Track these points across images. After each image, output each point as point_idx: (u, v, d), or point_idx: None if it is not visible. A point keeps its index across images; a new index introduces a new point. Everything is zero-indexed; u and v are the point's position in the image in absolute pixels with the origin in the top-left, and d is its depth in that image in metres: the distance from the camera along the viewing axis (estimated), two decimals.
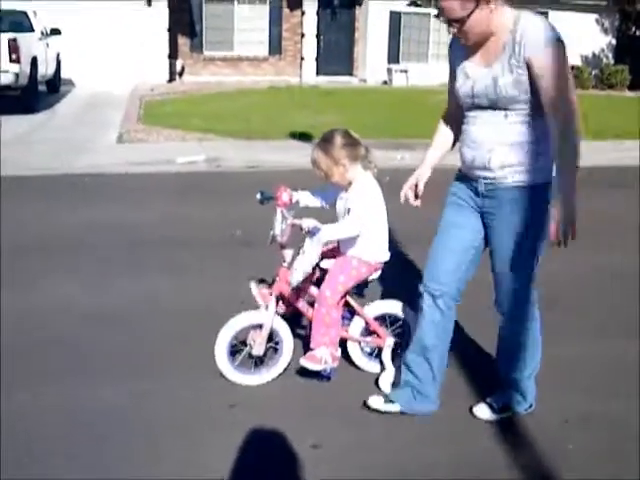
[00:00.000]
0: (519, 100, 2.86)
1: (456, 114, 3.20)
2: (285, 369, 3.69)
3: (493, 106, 2.94)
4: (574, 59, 25.59)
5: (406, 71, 22.63)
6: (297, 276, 3.46)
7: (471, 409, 3.41)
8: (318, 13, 22.39)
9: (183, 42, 21.54)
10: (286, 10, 22.55)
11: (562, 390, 3.68)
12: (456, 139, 3.30)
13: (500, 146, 2.94)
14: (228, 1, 21.99)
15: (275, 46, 22.74)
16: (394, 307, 3.80)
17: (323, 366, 3.53)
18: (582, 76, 25.06)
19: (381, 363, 3.76)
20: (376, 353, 3.82)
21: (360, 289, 3.68)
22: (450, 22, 2.82)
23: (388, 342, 3.72)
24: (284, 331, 3.66)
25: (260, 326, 3.60)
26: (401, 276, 4.71)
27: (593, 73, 25.60)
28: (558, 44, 2.77)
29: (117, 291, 4.92)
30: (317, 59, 22.71)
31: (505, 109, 2.91)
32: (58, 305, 4.63)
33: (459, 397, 3.55)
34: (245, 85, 20.27)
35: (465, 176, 3.17)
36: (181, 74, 21.50)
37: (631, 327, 4.55)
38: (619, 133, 13.16)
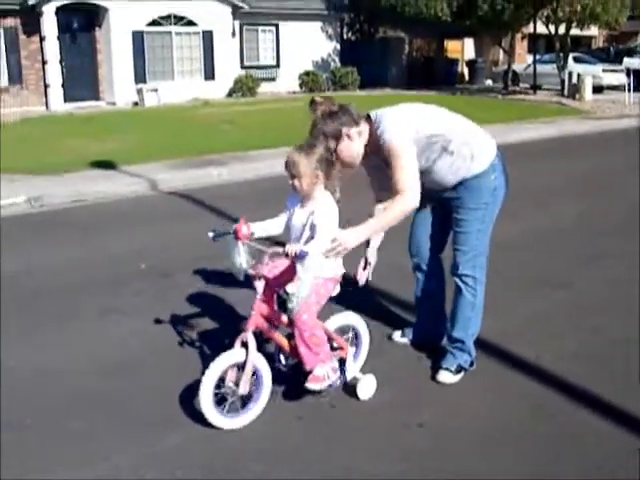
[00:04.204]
0: (426, 161, 3.84)
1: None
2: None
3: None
4: (307, 65, 27.27)
5: (156, 90, 22.60)
6: (296, 302, 3.46)
7: (433, 376, 4.09)
8: (59, 37, 21.51)
9: None
10: (23, 36, 21.40)
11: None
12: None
13: (446, 176, 3.92)
14: None
15: (15, 75, 21.46)
16: (349, 318, 4.02)
17: (328, 383, 3.63)
18: (317, 80, 26.79)
19: (343, 373, 3.83)
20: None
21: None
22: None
23: (350, 351, 3.91)
24: (263, 365, 3.63)
25: (238, 365, 3.55)
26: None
27: (325, 76, 27.41)
28: (392, 142, 3.67)
29: (59, 347, 4.69)
30: (63, 85, 21.82)
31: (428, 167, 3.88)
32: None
33: None
34: None
35: None
36: None
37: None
38: None
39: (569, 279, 5.81)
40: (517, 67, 30.47)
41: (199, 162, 11.54)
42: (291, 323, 3.58)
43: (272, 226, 3.76)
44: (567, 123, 17.59)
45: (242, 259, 3.51)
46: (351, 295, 5.34)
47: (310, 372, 3.61)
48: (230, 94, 24.94)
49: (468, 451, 3.40)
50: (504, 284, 5.47)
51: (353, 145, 3.76)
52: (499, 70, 31.76)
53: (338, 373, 3.70)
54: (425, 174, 3.83)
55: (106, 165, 11.33)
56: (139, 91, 22.55)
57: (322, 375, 3.59)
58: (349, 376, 3.87)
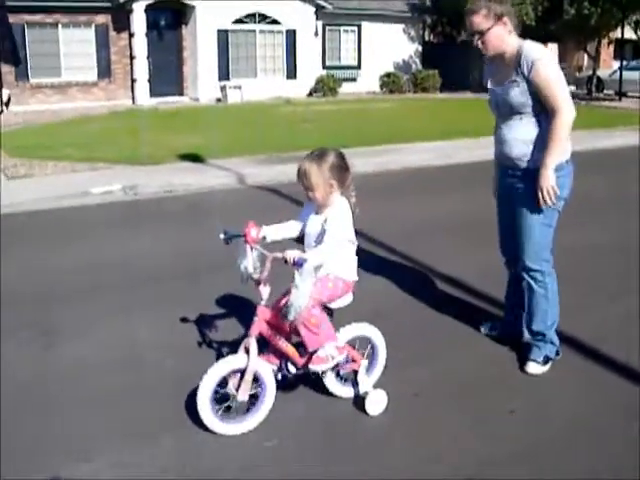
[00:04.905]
0: (526, 105, 3.84)
1: None
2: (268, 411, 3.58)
3: (511, 112, 3.93)
4: (388, 66, 27.34)
5: (240, 87, 23.07)
6: (294, 312, 3.33)
7: (521, 368, 4.15)
8: (146, 34, 22.21)
9: (8, 70, 20.54)
10: (113, 33, 22.19)
11: None
12: None
13: (517, 142, 3.93)
14: (51, 25, 21.26)
15: (104, 70, 22.28)
16: (364, 329, 3.83)
17: (332, 363, 3.54)
18: (398, 82, 26.83)
19: (355, 386, 3.78)
20: (346, 377, 3.83)
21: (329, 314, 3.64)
22: (474, 34, 3.85)
23: (363, 364, 3.75)
24: (266, 373, 3.52)
25: (240, 371, 3.45)
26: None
27: (405, 78, 27.45)
28: (547, 63, 3.73)
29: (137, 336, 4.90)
30: (149, 81, 22.52)
31: (520, 113, 3.90)
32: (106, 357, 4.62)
33: None
34: (82, 111, 19.72)
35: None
36: (7, 104, 20.50)
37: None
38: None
39: None
40: (602, 73, 29.86)
41: (284, 158, 11.77)
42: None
43: (288, 229, 3.69)
44: None
45: (248, 263, 3.44)
46: (441, 290, 5.51)
47: (313, 353, 3.52)
48: (311, 93, 25.25)
49: (556, 439, 3.45)
50: (583, 289, 5.44)
51: (503, 36, 3.81)
52: (583, 76, 31.16)
53: (343, 354, 3.58)
54: (506, 124, 3.96)
55: (194, 158, 11.69)
56: (222, 88, 23.06)
57: (325, 356, 3.50)
58: (361, 390, 3.74)
